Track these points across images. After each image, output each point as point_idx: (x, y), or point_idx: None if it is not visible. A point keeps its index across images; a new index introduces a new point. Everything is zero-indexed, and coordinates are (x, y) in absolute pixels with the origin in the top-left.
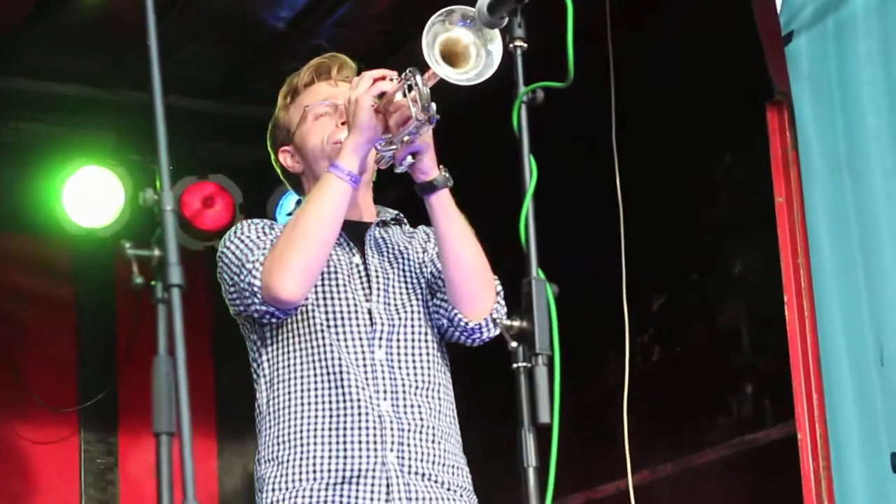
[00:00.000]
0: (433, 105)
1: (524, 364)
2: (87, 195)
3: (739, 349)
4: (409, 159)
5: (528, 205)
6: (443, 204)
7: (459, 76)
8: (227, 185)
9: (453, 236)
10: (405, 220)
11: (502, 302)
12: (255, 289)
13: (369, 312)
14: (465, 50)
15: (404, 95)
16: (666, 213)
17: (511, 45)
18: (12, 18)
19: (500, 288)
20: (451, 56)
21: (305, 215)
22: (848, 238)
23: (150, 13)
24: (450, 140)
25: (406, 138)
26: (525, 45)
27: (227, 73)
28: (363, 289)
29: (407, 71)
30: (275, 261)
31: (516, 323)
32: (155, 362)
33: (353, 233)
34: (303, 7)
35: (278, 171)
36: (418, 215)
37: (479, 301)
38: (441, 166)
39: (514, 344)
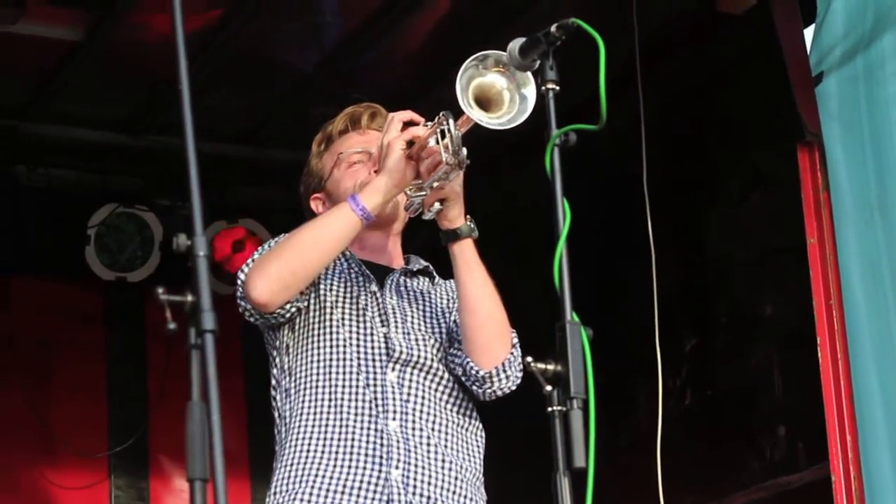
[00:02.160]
0: (464, 150)
1: (559, 408)
2: (117, 240)
3: (772, 391)
4: (437, 206)
5: (561, 248)
6: (465, 253)
7: (492, 121)
8: (256, 229)
9: (472, 286)
10: (434, 273)
11: (518, 355)
12: (239, 281)
13: (385, 337)
14: (499, 95)
15: (436, 142)
16: (697, 254)
17: (543, 88)
18: (42, 64)
19: (516, 340)
20: (485, 101)
21: (305, 230)
22: (880, 278)
23: (181, 57)
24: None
25: (436, 184)
26: (557, 87)
27: (255, 116)
28: (380, 316)
29: (440, 115)
30: (259, 260)
31: (551, 367)
32: (188, 408)
33: (377, 273)
34: (331, 50)
35: (309, 218)
36: (440, 259)
37: (492, 350)
38: (468, 216)
39: (548, 388)
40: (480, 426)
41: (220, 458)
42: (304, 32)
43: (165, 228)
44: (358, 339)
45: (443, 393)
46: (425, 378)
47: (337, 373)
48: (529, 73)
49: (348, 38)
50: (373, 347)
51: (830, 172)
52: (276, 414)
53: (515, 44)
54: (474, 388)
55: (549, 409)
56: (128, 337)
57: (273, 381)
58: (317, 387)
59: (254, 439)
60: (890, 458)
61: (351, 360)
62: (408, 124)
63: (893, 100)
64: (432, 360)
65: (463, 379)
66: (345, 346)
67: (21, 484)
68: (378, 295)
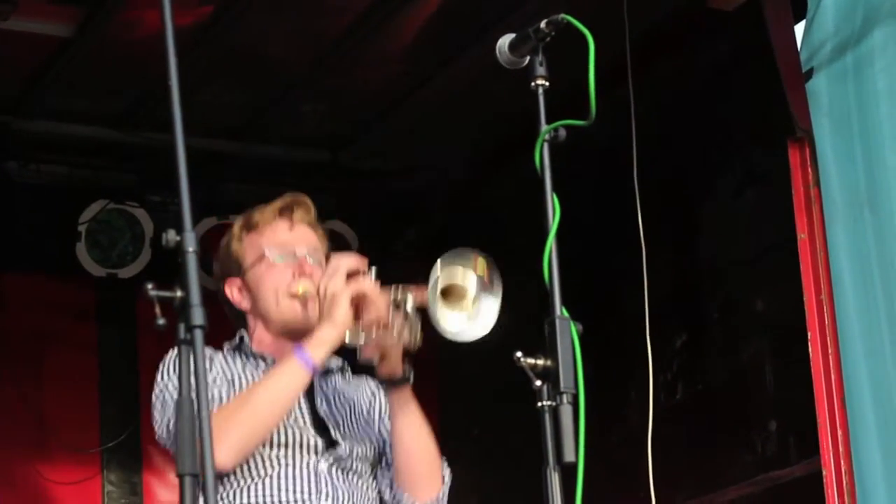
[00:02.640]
0: (419, 334)
1: (549, 403)
2: (108, 236)
3: (763, 386)
4: (376, 357)
5: (551, 243)
6: (401, 400)
7: (447, 326)
8: None
9: (408, 429)
10: (348, 368)
11: (446, 492)
12: None
13: (316, 437)
14: (463, 294)
15: (391, 309)
16: (688, 250)
17: (533, 84)
18: (34, 60)
19: (447, 475)
20: (448, 292)
21: (259, 393)
22: (869, 273)
23: (170, 53)
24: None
25: (377, 340)
26: (547, 83)
27: (247, 112)
28: (312, 423)
29: (398, 288)
30: (217, 427)
31: (540, 361)
32: (177, 403)
33: None
34: (323, 46)
35: (221, 298)
36: (431, 260)
37: (426, 486)
38: (405, 359)
39: (538, 383)
40: None
41: (209, 453)
42: (296, 28)
43: (156, 225)
44: (288, 443)
45: (369, 493)
46: (354, 477)
47: (262, 472)
48: (499, 293)
49: (340, 34)
50: (304, 447)
51: (821, 168)
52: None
53: (505, 40)
54: None
55: (539, 404)
56: (119, 333)
57: None
58: (250, 482)
59: None
60: (880, 453)
61: (279, 459)
62: (352, 273)
63: (883, 96)
64: (361, 467)
65: (391, 498)
66: (273, 453)
67: (14, 479)
68: (306, 412)
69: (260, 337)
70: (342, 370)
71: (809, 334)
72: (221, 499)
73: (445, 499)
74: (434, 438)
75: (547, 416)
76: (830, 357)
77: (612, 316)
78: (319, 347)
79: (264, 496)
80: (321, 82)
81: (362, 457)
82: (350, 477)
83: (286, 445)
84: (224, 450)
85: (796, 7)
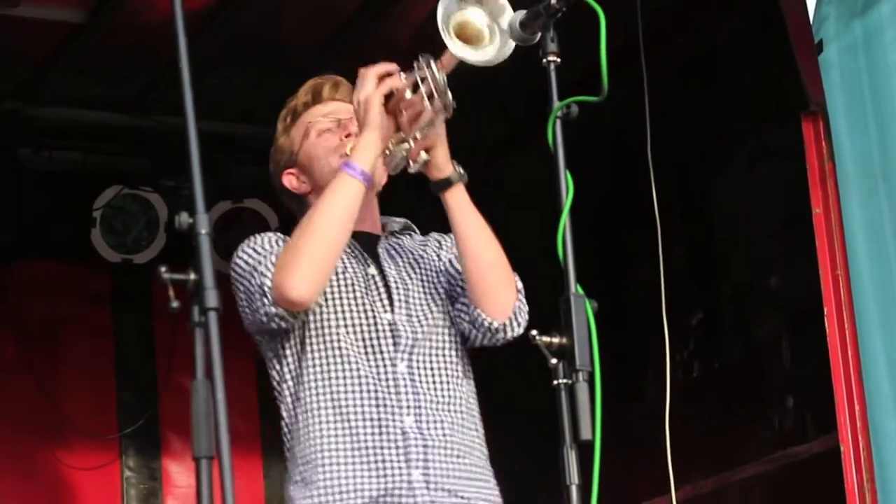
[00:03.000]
0: (449, 93)
1: (565, 381)
2: (122, 221)
3: (780, 362)
4: (423, 156)
5: (565, 220)
6: (459, 200)
7: (478, 56)
8: (261, 208)
9: (471, 233)
10: (415, 229)
11: (524, 300)
12: (266, 289)
13: (390, 325)
14: (478, 32)
15: (415, 90)
16: (703, 227)
17: (544, 61)
18: (45, 46)
19: (520, 285)
20: (465, 39)
21: (317, 214)
22: (884, 247)
23: (180, 37)
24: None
25: (419, 134)
26: (558, 59)
27: (257, 96)
28: (381, 301)
29: (419, 59)
30: (285, 260)
31: (556, 339)
32: (193, 386)
33: (366, 245)
34: (335, 28)
35: (283, 197)
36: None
37: (500, 297)
38: (454, 161)
39: (553, 361)
40: (473, 384)
41: (225, 436)
42: (306, 10)
43: (170, 209)
44: (363, 333)
45: (449, 371)
46: (434, 357)
47: (341, 374)
48: (506, 2)
49: (351, 15)
50: (379, 340)
51: (835, 142)
52: (283, 423)
53: (516, 17)
54: (485, 338)
55: (555, 382)
56: (135, 318)
57: (276, 389)
58: (324, 393)
59: (266, 418)
60: None
61: (356, 358)
62: (382, 77)
63: (894, 68)
64: (438, 330)
65: (472, 330)
66: (348, 345)
67: (33, 466)
68: (377, 278)
69: None
70: (410, 230)
71: (825, 310)
72: (293, 396)
73: (523, 313)
74: (500, 246)
75: (563, 395)
76: (847, 332)
77: (627, 293)
78: (363, 153)
79: (342, 413)
80: (331, 64)
81: (436, 321)
82: (430, 364)
83: (359, 330)
84: (297, 279)
85: None
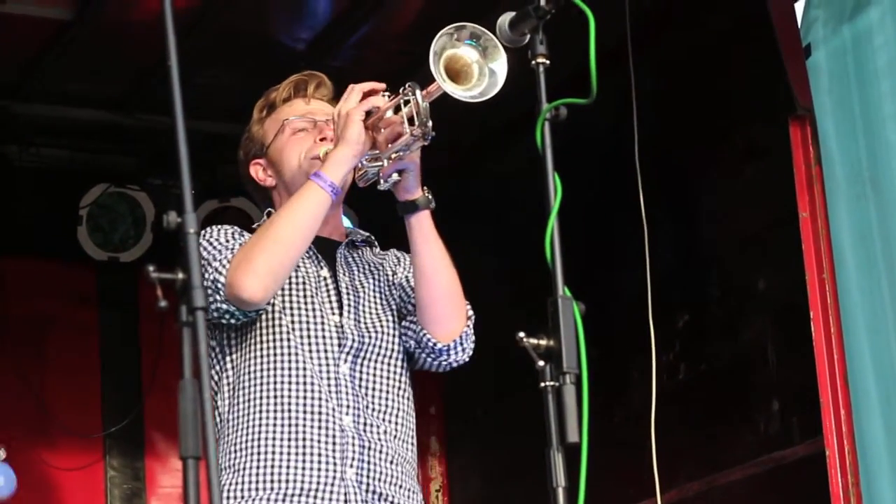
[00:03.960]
0: (430, 122)
1: (552, 383)
2: (109, 220)
3: (765, 366)
4: (395, 177)
5: (552, 222)
6: (422, 225)
7: (464, 93)
8: (248, 208)
9: (429, 258)
10: (376, 243)
11: (471, 328)
12: (219, 285)
13: (337, 327)
14: (467, 68)
15: (397, 111)
16: (690, 229)
17: (533, 63)
18: (32, 44)
19: (471, 313)
20: (453, 72)
21: (281, 219)
22: (872, 251)
23: (169, 35)
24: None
25: (394, 155)
26: (547, 61)
27: (246, 95)
28: (331, 303)
29: (406, 86)
30: (241, 259)
31: (543, 342)
32: (180, 386)
33: (324, 249)
34: (322, 28)
35: (247, 184)
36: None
37: (450, 323)
38: (424, 187)
39: (541, 363)
40: (412, 402)
41: (212, 436)
42: (295, 9)
43: (157, 208)
44: (309, 331)
45: (392, 377)
46: (377, 366)
47: (285, 368)
48: (500, 46)
49: (339, 15)
50: (324, 339)
51: (822, 146)
52: (217, 412)
53: (505, 18)
54: (428, 359)
55: (542, 384)
56: (121, 317)
57: (213, 378)
58: (266, 384)
59: None
60: (884, 432)
61: (300, 353)
62: (367, 94)
63: (883, 72)
64: (385, 340)
65: (416, 350)
66: (293, 340)
67: (17, 465)
68: (328, 281)
69: None
70: (370, 244)
71: (811, 314)
72: (231, 385)
73: (470, 339)
74: (456, 273)
75: (550, 397)
76: (833, 336)
77: (614, 296)
78: (335, 166)
79: (282, 405)
80: (319, 63)
81: (385, 332)
82: (373, 370)
83: (306, 328)
84: (251, 279)
85: None
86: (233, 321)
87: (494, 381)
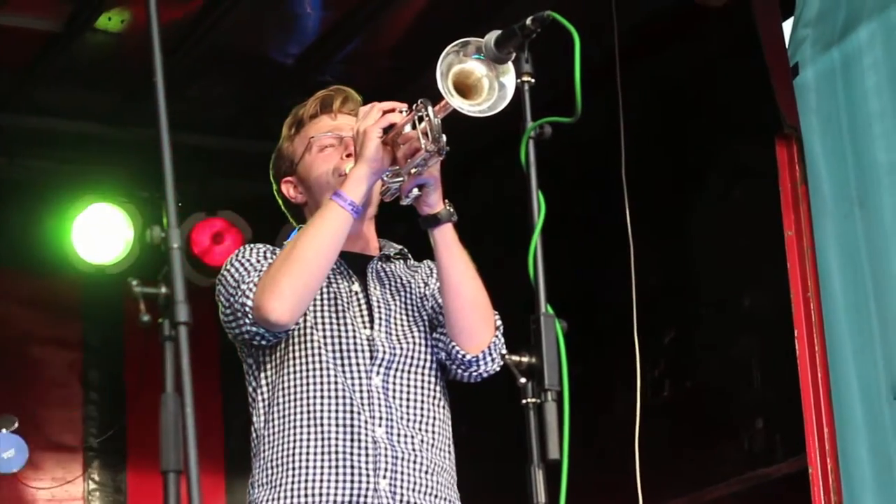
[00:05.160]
0: (444, 137)
1: (533, 400)
2: (96, 232)
3: (750, 383)
4: (416, 192)
5: (536, 240)
6: (446, 238)
7: (472, 108)
8: (236, 221)
9: (454, 270)
10: (409, 256)
11: (501, 337)
12: (247, 308)
13: (369, 340)
14: (478, 82)
15: (413, 127)
16: (676, 247)
17: (519, 81)
18: (21, 56)
19: (499, 323)
20: (463, 88)
21: (303, 240)
22: (860, 271)
23: (156, 49)
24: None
25: (413, 170)
26: (533, 80)
27: (235, 109)
28: (362, 317)
29: (418, 102)
30: (267, 282)
31: (525, 359)
32: (162, 400)
33: (355, 264)
34: (311, 43)
35: (280, 201)
36: (420, 255)
37: (477, 334)
38: (446, 201)
39: (522, 380)
40: (449, 410)
41: (193, 451)
42: (284, 24)
43: (144, 220)
44: (340, 345)
45: (426, 387)
46: (409, 376)
47: (317, 383)
48: (510, 62)
49: (328, 29)
50: (356, 352)
51: (809, 165)
52: (253, 428)
53: (491, 36)
54: (458, 370)
55: (524, 401)
56: (106, 330)
57: (251, 395)
58: (299, 399)
59: (229, 432)
60: (867, 451)
61: (332, 367)
62: (386, 112)
63: (872, 92)
64: (416, 352)
65: (447, 362)
66: (325, 355)
67: None
68: (360, 295)
69: None
70: (403, 257)
71: (796, 331)
72: (267, 402)
73: (499, 349)
74: (482, 284)
75: (531, 414)
76: (817, 354)
77: (599, 312)
78: (353, 185)
79: (315, 419)
80: (309, 78)
81: (417, 343)
82: (406, 382)
83: (338, 343)
84: (277, 302)
85: (784, 4)
86: (263, 342)
87: (478, 397)
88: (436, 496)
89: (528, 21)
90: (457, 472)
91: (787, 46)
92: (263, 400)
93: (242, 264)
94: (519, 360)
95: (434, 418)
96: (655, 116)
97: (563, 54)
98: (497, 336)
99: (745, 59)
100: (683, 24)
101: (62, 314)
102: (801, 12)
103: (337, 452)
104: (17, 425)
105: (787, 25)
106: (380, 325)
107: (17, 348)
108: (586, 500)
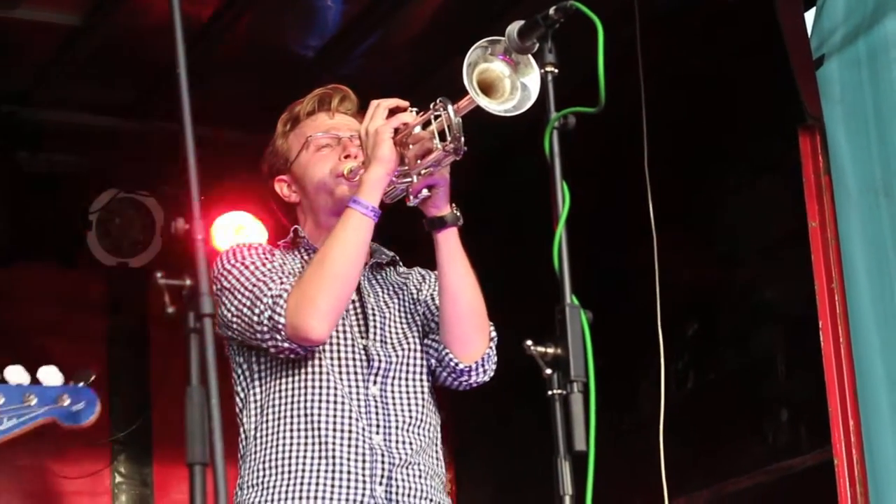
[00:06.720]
0: (462, 138)
1: (559, 391)
2: (120, 226)
3: (774, 375)
4: (424, 192)
5: (561, 230)
6: (449, 242)
7: (497, 107)
8: (257, 214)
9: (455, 276)
10: (400, 262)
11: (494, 349)
12: (280, 326)
13: (365, 349)
14: (499, 82)
15: (424, 127)
16: (699, 239)
17: (542, 71)
18: (43, 49)
19: (494, 334)
20: (484, 86)
21: (332, 254)
22: (885, 261)
23: (179, 42)
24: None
25: (425, 171)
26: (556, 70)
27: (255, 102)
28: (359, 326)
29: (437, 101)
30: (301, 300)
31: (550, 350)
32: (187, 392)
33: None
34: (331, 36)
35: (271, 198)
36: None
37: (472, 343)
38: (452, 204)
39: (548, 371)
40: (438, 416)
41: (219, 442)
42: (305, 18)
43: (167, 213)
44: (339, 354)
45: (420, 392)
46: (405, 383)
47: (316, 389)
48: (533, 61)
49: (349, 23)
50: (353, 362)
51: (832, 156)
52: (242, 429)
53: (514, 27)
54: (449, 378)
55: (550, 392)
56: (130, 323)
57: (239, 396)
58: (296, 404)
59: None
60: (893, 443)
61: (331, 375)
62: (392, 111)
63: None
64: (411, 358)
65: (437, 368)
66: (324, 362)
67: (23, 472)
68: (356, 303)
69: (311, 229)
70: (394, 263)
71: (821, 323)
72: (259, 404)
73: (492, 361)
74: (481, 293)
75: (557, 405)
76: (842, 346)
77: (623, 304)
78: (371, 189)
79: (312, 424)
80: (328, 71)
81: (411, 350)
82: (402, 388)
83: (335, 351)
84: (317, 320)
85: None
86: (292, 356)
87: (504, 389)
88: (430, 500)
89: (552, 11)
90: (486, 465)
91: (809, 37)
92: (256, 402)
93: (251, 270)
94: (544, 351)
95: (429, 423)
96: (678, 107)
97: (586, 44)
98: (491, 347)
99: (766, 50)
100: (706, 14)
101: (86, 307)
102: (824, 3)
103: (334, 458)
104: (93, 378)
105: (809, 16)
106: (374, 333)
107: (41, 342)
108: (610, 491)
